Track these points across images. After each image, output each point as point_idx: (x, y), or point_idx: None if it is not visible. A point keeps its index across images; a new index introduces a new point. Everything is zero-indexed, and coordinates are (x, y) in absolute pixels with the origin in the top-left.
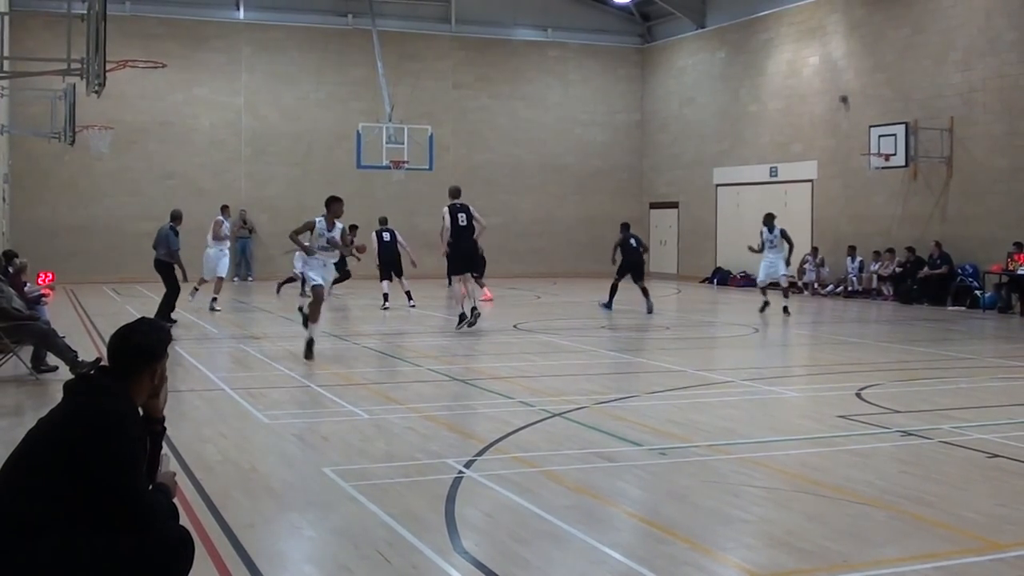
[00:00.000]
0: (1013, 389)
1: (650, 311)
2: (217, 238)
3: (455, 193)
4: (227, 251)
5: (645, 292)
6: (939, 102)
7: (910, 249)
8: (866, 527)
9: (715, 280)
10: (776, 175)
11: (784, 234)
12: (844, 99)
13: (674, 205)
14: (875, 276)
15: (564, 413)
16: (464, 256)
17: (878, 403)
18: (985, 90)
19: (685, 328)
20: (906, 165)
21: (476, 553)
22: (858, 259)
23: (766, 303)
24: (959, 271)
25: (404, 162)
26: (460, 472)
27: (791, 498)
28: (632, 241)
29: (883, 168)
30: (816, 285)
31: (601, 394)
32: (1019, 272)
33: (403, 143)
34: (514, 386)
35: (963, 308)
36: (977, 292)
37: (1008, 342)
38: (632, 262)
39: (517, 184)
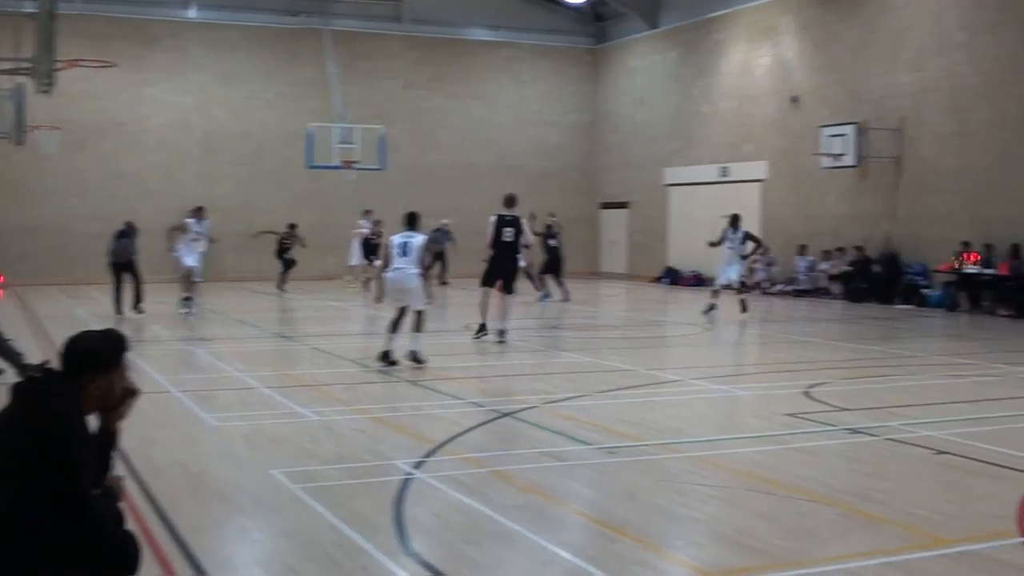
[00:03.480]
0: (959, 387)
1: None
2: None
3: (509, 202)
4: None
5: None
6: (889, 102)
7: (859, 248)
8: (815, 524)
9: (666, 280)
10: (727, 175)
11: (749, 236)
12: (795, 99)
13: (625, 205)
14: (825, 275)
15: (514, 413)
16: (500, 269)
17: (827, 401)
18: (935, 90)
19: (635, 328)
20: (856, 165)
21: (425, 554)
22: (808, 258)
23: (712, 306)
24: (907, 269)
25: (355, 162)
26: (409, 473)
27: (741, 496)
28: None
29: (833, 168)
30: (766, 284)
31: (551, 394)
32: (966, 271)
33: (354, 143)
34: (464, 387)
35: (911, 306)
36: (925, 291)
37: (955, 340)
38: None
39: (470, 184)
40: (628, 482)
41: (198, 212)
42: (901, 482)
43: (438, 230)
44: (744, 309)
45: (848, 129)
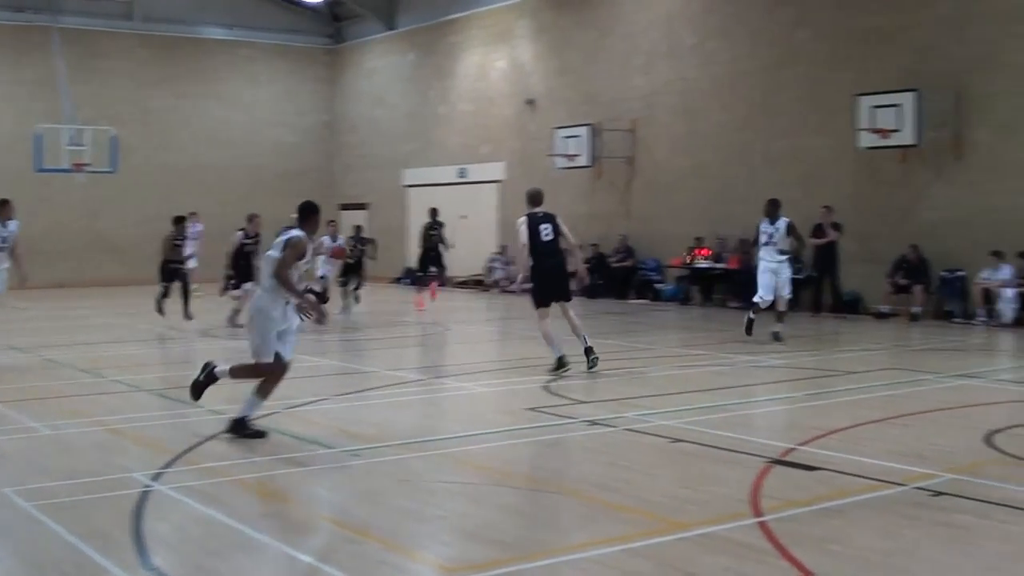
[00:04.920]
0: (692, 376)
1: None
2: None
3: (535, 198)
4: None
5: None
6: (622, 104)
7: (595, 246)
8: (557, 515)
9: (406, 280)
10: (465, 176)
11: (792, 229)
12: (531, 101)
13: (364, 206)
14: None
15: (254, 420)
16: (551, 279)
17: (565, 395)
18: (666, 93)
19: (376, 329)
20: (591, 165)
21: (166, 568)
22: None
23: (751, 320)
24: (642, 265)
25: (86, 164)
26: (148, 486)
27: (484, 492)
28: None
29: (568, 168)
30: (505, 282)
31: (292, 398)
32: (698, 266)
33: (85, 145)
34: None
35: (646, 301)
36: (658, 285)
37: (687, 332)
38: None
39: (209, 185)
40: (372, 484)
41: None
42: (640, 471)
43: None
44: (778, 339)
45: (582, 130)
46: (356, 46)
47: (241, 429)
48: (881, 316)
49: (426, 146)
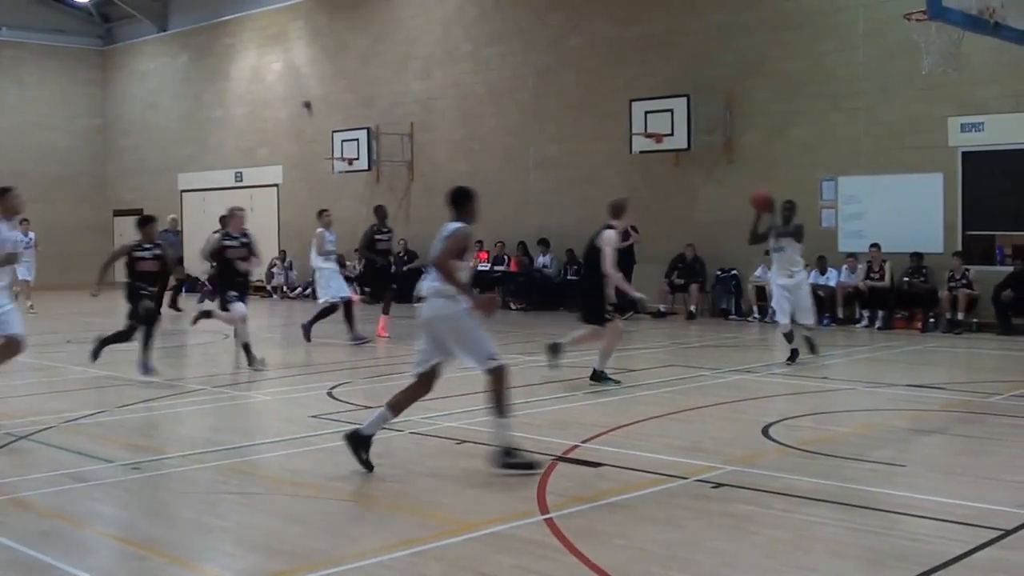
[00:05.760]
0: (476, 378)
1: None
2: None
3: (618, 210)
4: None
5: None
6: (400, 109)
7: None
8: (345, 522)
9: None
10: (242, 180)
11: (798, 231)
12: (307, 105)
13: (139, 212)
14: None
15: (30, 435)
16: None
17: (350, 401)
18: (443, 98)
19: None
20: (369, 169)
21: None
22: None
23: (795, 352)
24: (423, 270)
25: None
26: None
27: (270, 501)
28: None
29: (347, 172)
30: (285, 288)
31: (70, 411)
32: (478, 269)
33: None
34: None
35: None
36: None
37: None
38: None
39: None
40: (154, 497)
41: None
42: (427, 473)
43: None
44: (814, 348)
45: (360, 134)
46: (128, 47)
47: (510, 457)
48: (659, 315)
49: (202, 150)
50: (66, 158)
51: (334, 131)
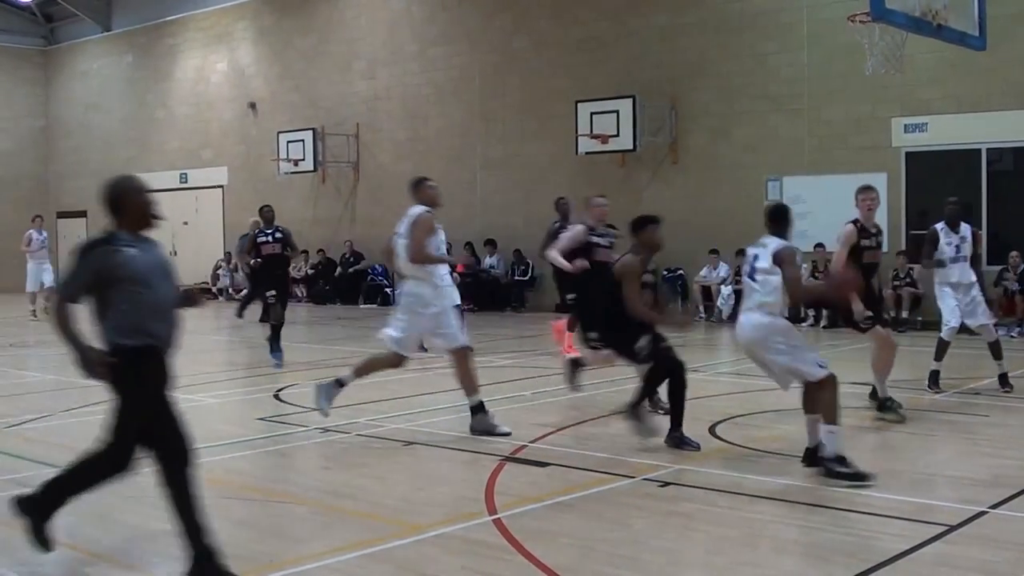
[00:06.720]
0: (422, 379)
1: None
2: None
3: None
4: None
5: None
6: (345, 109)
7: (321, 251)
8: (292, 525)
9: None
10: (186, 181)
11: (976, 237)
12: (252, 105)
13: (83, 214)
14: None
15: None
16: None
17: (297, 403)
18: (388, 99)
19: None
20: (315, 170)
21: None
22: None
23: (936, 373)
24: (370, 271)
25: None
26: None
27: (217, 505)
28: None
29: (292, 173)
30: (231, 291)
31: (12, 416)
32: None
33: None
34: None
35: (375, 305)
36: (388, 290)
37: None
38: None
39: None
40: (99, 502)
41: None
42: (374, 475)
43: None
44: (998, 354)
45: (305, 135)
46: (71, 47)
47: (843, 466)
48: None
49: (145, 151)
50: (8, 160)
51: (279, 132)
